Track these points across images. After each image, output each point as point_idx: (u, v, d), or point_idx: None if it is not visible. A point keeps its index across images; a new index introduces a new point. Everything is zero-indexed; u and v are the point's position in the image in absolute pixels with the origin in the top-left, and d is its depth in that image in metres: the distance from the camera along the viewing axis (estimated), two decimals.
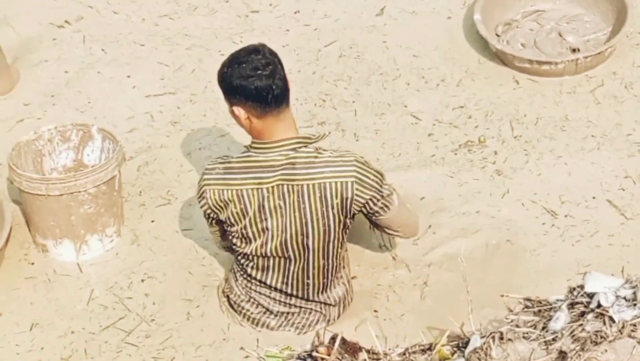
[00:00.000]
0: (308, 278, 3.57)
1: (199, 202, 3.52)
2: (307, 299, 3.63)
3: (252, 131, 3.41)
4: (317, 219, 3.42)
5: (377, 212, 3.50)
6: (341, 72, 4.96)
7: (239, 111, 3.36)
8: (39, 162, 4.15)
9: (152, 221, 4.24)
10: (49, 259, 4.08)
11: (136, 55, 5.14)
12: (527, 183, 4.31)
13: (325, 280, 3.60)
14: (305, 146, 3.41)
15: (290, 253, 3.49)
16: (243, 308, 3.71)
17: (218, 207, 3.47)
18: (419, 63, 4.99)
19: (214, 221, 3.61)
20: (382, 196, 3.48)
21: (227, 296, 3.77)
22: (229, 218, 3.47)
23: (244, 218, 3.44)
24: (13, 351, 3.74)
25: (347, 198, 3.40)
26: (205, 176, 3.47)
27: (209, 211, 3.51)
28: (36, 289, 3.98)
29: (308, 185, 3.38)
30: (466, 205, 4.22)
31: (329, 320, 3.70)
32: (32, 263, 4.08)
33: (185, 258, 4.09)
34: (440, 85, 4.86)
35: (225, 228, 3.56)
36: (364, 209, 3.47)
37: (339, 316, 3.73)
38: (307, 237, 3.46)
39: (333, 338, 3.55)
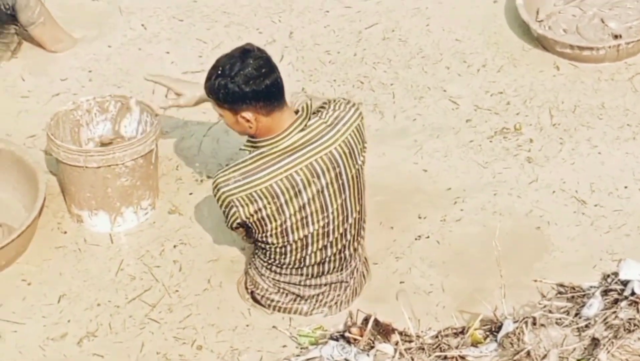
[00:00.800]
0: (346, 240, 3.52)
1: (229, 215, 3.42)
2: (342, 266, 3.59)
3: (259, 131, 3.35)
4: (352, 174, 3.41)
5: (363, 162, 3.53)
6: (381, 55, 4.94)
7: (248, 115, 3.31)
8: (76, 132, 4.15)
9: (190, 194, 4.24)
10: (81, 229, 4.09)
11: (175, 31, 5.14)
12: (559, 172, 4.26)
13: (358, 238, 3.58)
14: (309, 119, 3.39)
15: (332, 221, 3.45)
16: (272, 301, 3.68)
17: (251, 212, 3.39)
18: (462, 47, 4.96)
19: (238, 227, 3.54)
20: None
21: (252, 292, 3.74)
22: (263, 219, 3.41)
23: (282, 212, 3.39)
24: (40, 322, 3.75)
25: (362, 133, 3.45)
26: (225, 189, 3.37)
27: (239, 220, 3.44)
28: (66, 259, 3.99)
29: (335, 148, 3.36)
30: (496, 192, 4.19)
31: (356, 288, 3.69)
32: (65, 232, 4.10)
33: (216, 232, 4.06)
34: (481, 70, 4.82)
35: (258, 230, 3.47)
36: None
37: (360, 287, 3.72)
38: (345, 197, 3.43)
39: (366, 319, 3.53)
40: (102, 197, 3.96)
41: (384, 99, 4.67)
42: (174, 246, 4.03)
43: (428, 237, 4.01)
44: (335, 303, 3.67)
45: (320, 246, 3.50)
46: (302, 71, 4.84)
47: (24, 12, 4.81)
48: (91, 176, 3.90)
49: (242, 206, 3.37)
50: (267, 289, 3.66)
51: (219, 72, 3.32)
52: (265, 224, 3.41)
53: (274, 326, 3.67)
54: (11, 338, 3.67)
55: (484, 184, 4.24)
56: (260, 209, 3.37)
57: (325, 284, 3.62)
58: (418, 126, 4.53)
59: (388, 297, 3.77)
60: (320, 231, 3.45)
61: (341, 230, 3.49)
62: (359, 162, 3.45)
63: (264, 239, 3.47)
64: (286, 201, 3.36)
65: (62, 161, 3.91)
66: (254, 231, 3.48)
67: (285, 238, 3.45)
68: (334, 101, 3.50)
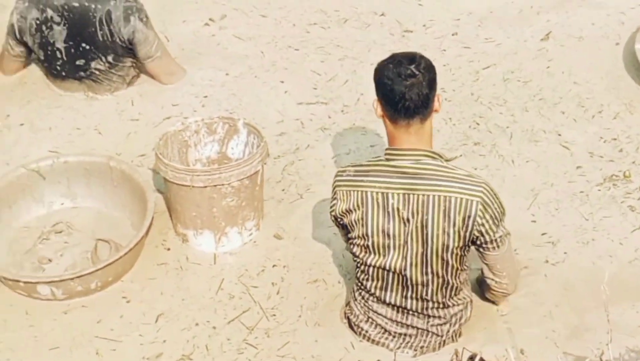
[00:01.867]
0: (427, 295, 3.47)
1: (332, 205, 3.49)
2: (426, 316, 3.52)
3: (387, 133, 3.38)
4: (438, 234, 3.32)
5: (488, 245, 3.38)
6: (498, 96, 4.88)
7: (377, 105, 3.35)
8: (184, 152, 4.17)
9: (292, 215, 4.22)
10: (184, 247, 4.08)
11: (291, 61, 5.18)
12: None
13: (444, 299, 3.50)
14: (434, 159, 3.32)
15: (410, 266, 3.40)
16: (362, 329, 3.64)
17: (344, 210, 3.41)
18: (580, 91, 4.87)
19: (340, 224, 3.56)
20: (498, 230, 3.37)
21: (348, 318, 3.71)
22: (351, 222, 3.41)
23: (366, 225, 3.37)
24: (136, 341, 3.72)
25: (469, 217, 3.28)
26: (338, 177, 3.45)
27: (335, 213, 3.47)
28: (168, 276, 3.98)
29: (434, 196, 3.28)
30: (596, 237, 4.05)
31: (445, 341, 3.59)
32: (168, 249, 4.09)
33: (319, 256, 4.04)
34: (596, 116, 4.71)
35: (348, 234, 3.50)
36: (480, 238, 3.35)
37: (458, 336, 3.62)
38: (427, 250, 3.37)
39: (472, 358, 3.37)
40: (208, 217, 3.95)
41: (501, 141, 4.59)
42: (273, 266, 4.00)
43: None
44: (421, 347, 3.59)
45: (400, 289, 3.47)
46: None
47: (142, 46, 4.88)
48: (197, 196, 3.90)
49: (341, 200, 3.42)
50: (358, 316, 3.64)
51: (390, 56, 3.36)
52: (352, 229, 3.43)
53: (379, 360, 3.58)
54: (109, 355, 3.65)
55: (585, 229, 4.10)
56: (350, 211, 3.39)
57: (411, 327, 3.56)
58: (532, 171, 4.42)
59: (494, 334, 3.66)
60: (399, 268, 3.40)
61: (420, 280, 3.43)
62: (452, 240, 3.32)
63: (352, 247, 3.49)
64: (372, 215, 3.36)
65: (170, 180, 3.92)
66: (345, 233, 3.54)
67: (367, 255, 3.44)
68: (477, 175, 3.42)
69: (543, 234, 4.06)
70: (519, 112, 4.75)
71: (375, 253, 3.41)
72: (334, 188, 3.45)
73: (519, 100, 4.83)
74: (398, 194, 3.31)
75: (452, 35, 5.34)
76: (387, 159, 3.33)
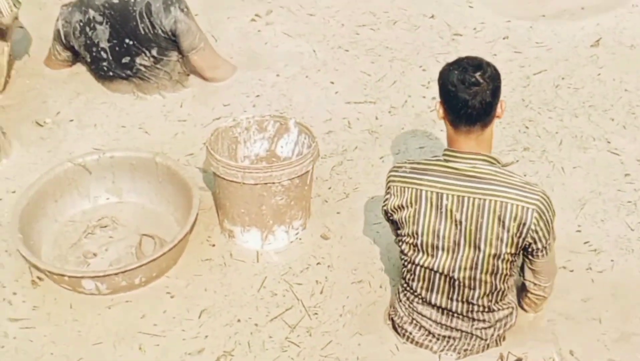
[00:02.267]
0: (473, 298, 3.44)
1: (385, 199, 3.46)
2: (471, 319, 3.49)
3: (447, 135, 3.35)
4: (491, 239, 3.29)
5: (537, 253, 3.36)
6: (548, 101, 4.82)
7: (440, 107, 3.33)
8: (234, 149, 4.15)
9: (338, 214, 4.20)
10: (229, 243, 4.07)
11: (341, 62, 5.17)
12: None
13: (489, 303, 3.46)
14: (492, 164, 3.30)
15: (459, 268, 3.37)
16: (406, 331, 3.61)
17: (396, 206, 3.39)
18: (631, 98, 4.80)
19: (390, 220, 3.54)
20: (549, 238, 3.34)
21: (392, 319, 3.68)
22: (402, 219, 3.39)
23: (417, 223, 3.35)
24: (179, 336, 3.70)
25: (524, 225, 3.25)
26: (393, 173, 3.45)
27: (386, 208, 3.45)
28: (212, 272, 3.96)
29: (490, 201, 3.25)
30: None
31: (488, 344, 3.56)
32: (213, 245, 4.07)
33: (364, 256, 4.00)
34: None
35: (397, 230, 3.49)
36: (532, 245, 3.32)
37: (502, 340, 3.58)
38: (478, 255, 3.33)
39: None
40: (256, 214, 3.93)
41: (550, 146, 4.53)
42: (317, 264, 3.98)
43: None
44: (465, 350, 3.56)
45: (446, 290, 3.45)
46: None
47: (185, 36, 4.86)
48: (247, 192, 3.88)
49: (394, 195, 3.41)
50: (402, 318, 3.61)
51: (455, 60, 3.33)
52: (402, 226, 3.41)
53: None
54: (151, 351, 3.63)
55: (629, 238, 4.05)
56: (403, 207, 3.37)
57: (455, 329, 3.53)
58: (581, 179, 4.36)
59: (539, 338, 3.62)
60: (447, 270, 3.38)
61: (468, 283, 3.40)
62: (505, 245, 3.29)
63: (400, 244, 3.47)
64: (425, 214, 3.34)
65: (220, 175, 3.89)
66: (395, 228, 3.52)
67: (416, 254, 3.42)
68: (533, 183, 3.39)
69: (585, 242, 4.01)
70: (568, 118, 4.70)
71: (423, 253, 3.39)
72: (387, 183, 3.44)
73: (569, 106, 4.78)
74: (453, 195, 3.28)
75: (503, 39, 5.30)
76: (446, 160, 3.31)
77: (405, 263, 3.49)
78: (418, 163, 3.40)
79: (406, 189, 3.36)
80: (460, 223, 3.29)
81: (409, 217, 3.36)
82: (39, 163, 4.49)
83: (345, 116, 4.76)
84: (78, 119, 4.81)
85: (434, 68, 4.99)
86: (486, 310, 3.47)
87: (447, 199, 3.29)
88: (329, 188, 4.33)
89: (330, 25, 5.46)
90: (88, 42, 4.87)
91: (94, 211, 4.26)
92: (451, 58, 4.88)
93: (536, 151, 4.49)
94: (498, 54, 5.14)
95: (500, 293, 3.44)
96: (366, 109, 4.81)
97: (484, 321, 3.49)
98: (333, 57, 5.20)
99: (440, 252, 3.36)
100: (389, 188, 3.43)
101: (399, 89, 4.94)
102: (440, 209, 3.31)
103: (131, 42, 4.83)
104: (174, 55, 4.92)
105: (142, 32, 4.80)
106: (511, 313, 3.54)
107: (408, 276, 3.50)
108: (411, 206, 3.34)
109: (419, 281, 3.47)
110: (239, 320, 3.74)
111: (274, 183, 3.84)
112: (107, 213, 4.25)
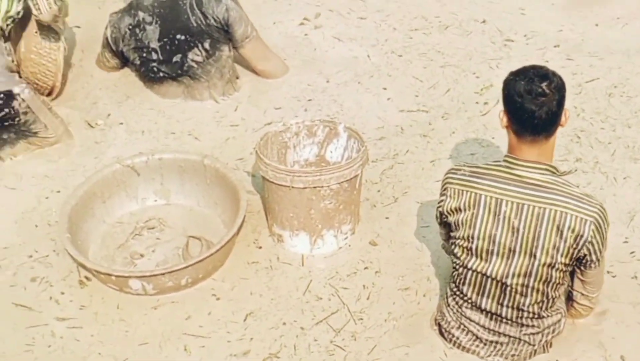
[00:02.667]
0: (524, 305, 3.40)
1: (440, 201, 3.45)
2: (520, 324, 3.46)
3: (509, 142, 3.33)
4: (547, 249, 3.26)
5: (590, 264, 3.33)
6: (600, 110, 4.76)
7: (503, 115, 3.29)
8: (283, 153, 4.15)
9: (387, 218, 4.17)
10: (275, 246, 4.06)
11: (394, 67, 5.15)
12: None
13: (540, 310, 3.43)
14: (553, 174, 3.27)
15: (512, 275, 3.33)
16: (453, 336, 3.58)
17: (452, 210, 3.38)
18: None
19: (443, 222, 3.52)
20: (603, 250, 3.32)
21: (439, 324, 3.66)
22: (457, 221, 3.37)
23: (473, 227, 3.33)
24: (224, 338, 3.68)
25: (581, 236, 3.22)
26: (450, 175, 3.43)
27: (442, 209, 3.43)
28: (258, 275, 3.95)
29: (550, 210, 3.22)
30: None
31: (536, 350, 3.52)
32: (260, 248, 4.06)
33: (412, 262, 3.97)
34: None
35: (451, 232, 3.46)
36: (586, 257, 3.29)
37: (549, 346, 3.54)
38: (533, 262, 3.30)
39: None
40: (305, 218, 3.92)
41: (604, 158, 4.47)
42: (365, 269, 3.95)
43: None
44: (512, 355, 3.53)
45: (497, 296, 3.42)
46: None
47: (238, 25, 4.86)
48: (296, 196, 3.86)
49: (450, 197, 3.39)
50: (450, 322, 3.59)
51: (519, 69, 3.30)
52: (457, 229, 3.38)
53: None
54: (197, 352, 3.62)
55: None
56: (459, 210, 3.36)
57: (504, 335, 3.50)
58: (632, 190, 4.30)
59: (588, 344, 3.58)
60: (500, 276, 3.35)
61: (520, 290, 3.37)
62: (560, 255, 3.26)
63: (453, 247, 3.45)
64: (482, 218, 3.31)
65: (269, 179, 3.88)
66: (446, 232, 3.53)
67: (469, 258, 3.39)
68: (592, 195, 3.34)
69: (631, 253, 3.96)
70: (620, 128, 4.64)
71: (477, 257, 3.36)
72: (444, 185, 3.42)
73: (622, 116, 4.71)
74: (512, 202, 3.26)
75: (554, 46, 5.26)
76: (507, 166, 3.29)
77: (457, 267, 3.46)
78: (477, 167, 3.37)
79: (464, 192, 3.34)
80: (518, 230, 3.26)
81: (466, 220, 3.34)
82: (87, 166, 4.52)
83: (398, 123, 4.73)
84: (127, 123, 4.83)
85: (487, 74, 5.05)
86: (536, 316, 3.44)
87: (507, 205, 3.26)
88: (378, 191, 4.31)
89: (383, 29, 5.45)
90: (138, 44, 4.89)
91: (142, 213, 4.27)
92: (504, 64, 5.05)
93: (589, 162, 4.44)
94: (550, 61, 5.09)
95: (551, 300, 3.41)
96: (419, 117, 4.78)
97: (532, 327, 3.46)
98: (386, 62, 5.19)
99: (494, 257, 3.33)
100: (445, 189, 3.41)
101: (453, 96, 4.91)
102: (498, 215, 3.28)
103: (183, 37, 4.84)
104: (225, 50, 4.91)
105: (194, 25, 4.81)
106: (560, 320, 3.51)
107: (459, 280, 3.48)
108: (468, 210, 3.33)
109: (469, 285, 3.45)
110: (284, 323, 3.72)
111: (322, 187, 3.82)
112: (155, 215, 4.26)
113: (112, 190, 4.22)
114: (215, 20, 4.80)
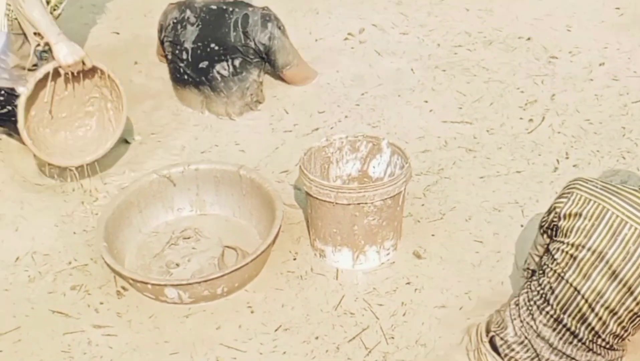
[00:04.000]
0: (604, 332, 3.30)
1: (556, 202, 3.36)
2: (589, 350, 3.36)
3: None
4: None
5: None
6: None
7: None
8: (326, 168, 4.12)
9: (432, 235, 4.10)
10: (311, 258, 4.02)
11: (437, 82, 5.12)
12: None
13: (614, 341, 3.32)
14: None
15: (605, 300, 3.23)
16: (512, 350, 3.45)
17: (571, 214, 3.28)
18: None
19: (548, 231, 3.43)
20: None
21: (492, 336, 3.52)
22: (572, 227, 3.27)
23: (588, 237, 3.23)
24: (256, 350, 3.63)
25: None
26: (580, 182, 3.33)
27: (559, 210, 3.32)
28: (291, 286, 3.89)
29: None
30: None
31: None
32: (294, 260, 4.02)
33: (463, 277, 3.90)
34: None
35: (554, 238, 3.35)
36: None
37: None
38: (632, 294, 3.20)
39: None
40: (348, 234, 3.88)
41: None
42: (407, 284, 3.88)
43: None
44: None
45: (580, 316, 3.30)
46: (563, 134, 4.66)
47: (280, 54, 4.88)
48: (340, 212, 3.83)
49: (573, 202, 3.28)
50: (512, 337, 3.46)
51: None
52: (567, 235, 3.28)
53: None
54: None
55: None
56: (579, 216, 3.26)
57: (570, 357, 3.39)
58: None
59: None
60: (593, 297, 3.24)
61: (605, 316, 3.26)
62: None
63: (555, 252, 3.33)
64: (600, 232, 3.21)
65: (313, 195, 3.85)
66: (545, 239, 3.45)
67: (568, 266, 3.28)
68: None
69: None
70: None
71: (577, 269, 3.25)
72: (570, 189, 3.33)
73: None
74: (636, 228, 3.16)
75: (599, 65, 5.19)
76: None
77: (550, 274, 3.35)
78: (609, 184, 3.30)
79: (591, 201, 3.25)
80: (631, 257, 3.17)
81: (583, 228, 3.24)
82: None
83: (441, 135, 4.69)
84: (163, 139, 4.82)
85: (532, 89, 5.01)
86: (608, 345, 3.34)
87: (629, 229, 3.17)
88: (422, 205, 4.25)
89: (426, 44, 5.44)
90: (175, 39, 4.92)
91: (178, 223, 4.25)
92: (549, 80, 5.00)
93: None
94: (595, 79, 5.05)
95: (627, 334, 3.32)
96: (463, 129, 4.73)
97: (601, 355, 3.38)
98: (430, 76, 5.16)
99: (594, 274, 3.23)
100: (570, 193, 3.31)
101: (497, 110, 4.87)
102: (617, 236, 3.19)
103: (216, 48, 4.83)
104: (254, 73, 4.90)
105: (232, 40, 4.79)
106: (622, 356, 3.43)
107: (547, 288, 3.36)
108: (589, 220, 3.23)
109: (557, 297, 3.33)
110: (316, 338, 3.66)
111: (366, 203, 3.77)
112: (191, 225, 4.24)
113: (148, 200, 4.21)
114: (255, 44, 4.80)
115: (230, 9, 4.83)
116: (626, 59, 5.24)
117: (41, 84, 4.29)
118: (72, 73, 4.30)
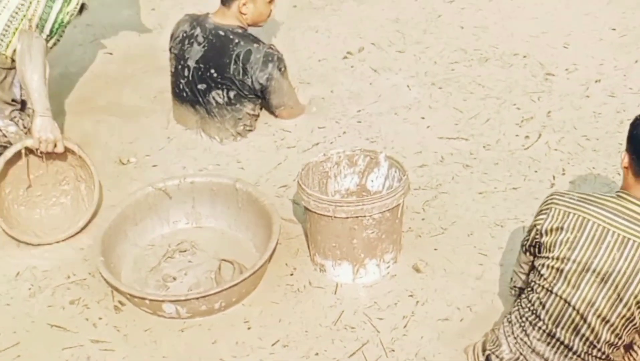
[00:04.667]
0: (599, 341, 3.29)
1: (536, 219, 3.36)
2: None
3: (624, 181, 3.27)
4: (637, 295, 3.17)
5: None
6: None
7: (626, 156, 3.24)
8: (324, 183, 4.11)
9: (433, 249, 4.10)
10: (308, 272, 4.01)
11: (433, 99, 5.13)
12: None
13: (609, 351, 3.31)
14: None
15: (597, 308, 3.23)
16: None
17: (552, 229, 3.28)
18: None
19: (530, 249, 3.44)
20: None
21: (488, 355, 3.52)
22: (555, 241, 3.27)
23: (572, 250, 3.23)
24: None
25: None
26: (556, 196, 3.35)
27: (539, 227, 3.33)
28: (289, 301, 3.88)
29: None
30: None
31: None
32: (291, 274, 4.00)
33: (466, 290, 3.89)
34: None
35: (539, 255, 3.36)
36: None
37: None
38: (623, 299, 3.19)
39: None
40: (347, 248, 3.87)
41: None
42: (409, 296, 3.87)
43: None
44: None
45: (573, 327, 3.30)
46: (560, 151, 4.66)
47: (275, 95, 4.84)
48: (338, 226, 3.82)
49: (553, 217, 3.29)
50: (507, 354, 3.46)
51: None
52: (551, 250, 3.29)
53: None
54: None
55: None
56: (561, 230, 3.26)
57: None
58: None
59: None
60: (584, 307, 3.24)
61: (598, 325, 3.26)
62: None
63: (540, 268, 3.34)
64: (584, 243, 3.21)
65: (311, 209, 3.85)
66: (528, 257, 3.47)
67: (556, 280, 3.28)
68: None
69: None
70: None
71: (565, 281, 3.26)
72: (547, 205, 3.33)
73: None
74: (618, 235, 3.17)
75: (596, 82, 5.20)
76: (618, 199, 3.22)
77: (539, 291, 3.36)
78: (586, 195, 3.31)
79: (570, 214, 3.25)
80: (617, 263, 3.17)
81: (566, 241, 3.25)
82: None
83: (437, 150, 4.69)
84: (164, 163, 4.79)
85: (528, 106, 5.02)
86: (604, 356, 3.34)
87: (612, 237, 3.18)
88: (423, 220, 4.25)
89: (422, 61, 5.45)
90: (179, 53, 4.89)
91: (173, 236, 4.25)
92: (545, 97, 5.01)
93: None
94: (591, 96, 5.06)
95: (622, 343, 3.32)
96: (459, 145, 4.74)
97: None
98: (426, 93, 5.17)
99: (583, 284, 3.23)
100: (548, 209, 3.32)
101: (494, 126, 4.88)
102: (600, 244, 3.20)
103: (215, 74, 4.79)
104: (248, 107, 4.86)
105: (230, 72, 4.75)
106: None
107: (537, 304, 3.37)
108: (571, 232, 3.24)
109: (548, 312, 3.34)
110: (316, 353, 3.64)
111: (365, 216, 3.77)
112: (187, 238, 4.23)
113: (144, 213, 4.21)
114: (252, 81, 4.76)
115: (236, 40, 4.75)
116: (622, 75, 5.25)
117: (14, 161, 4.27)
118: (43, 153, 4.28)
